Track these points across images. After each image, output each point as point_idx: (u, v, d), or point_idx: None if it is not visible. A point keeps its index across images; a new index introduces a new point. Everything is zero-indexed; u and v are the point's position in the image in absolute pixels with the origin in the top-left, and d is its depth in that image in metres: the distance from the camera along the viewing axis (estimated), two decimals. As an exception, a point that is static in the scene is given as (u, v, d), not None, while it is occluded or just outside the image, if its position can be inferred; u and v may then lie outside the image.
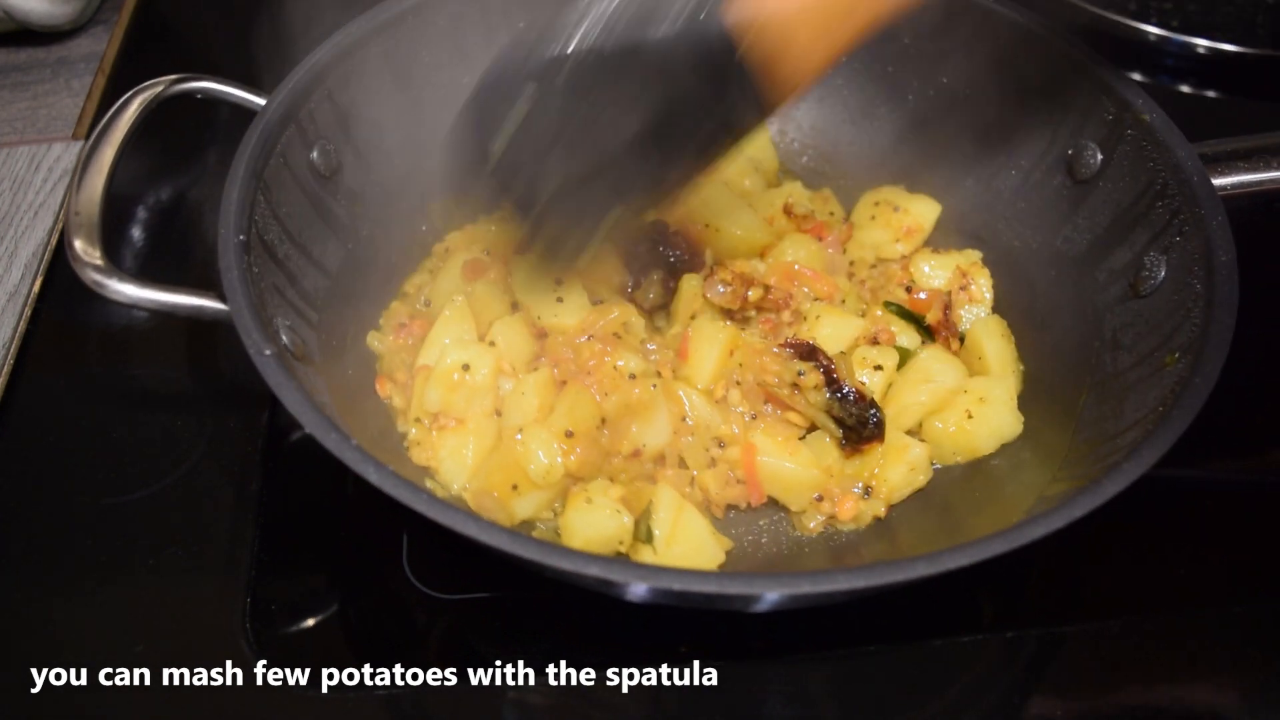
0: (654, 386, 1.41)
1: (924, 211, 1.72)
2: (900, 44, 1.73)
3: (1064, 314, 1.55)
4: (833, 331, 1.54)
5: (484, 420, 1.44)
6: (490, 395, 1.44)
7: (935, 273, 1.65)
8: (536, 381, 1.44)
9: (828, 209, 1.77)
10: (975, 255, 1.67)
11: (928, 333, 1.61)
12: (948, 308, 1.61)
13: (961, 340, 1.61)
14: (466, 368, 1.42)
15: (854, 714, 1.29)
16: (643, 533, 1.34)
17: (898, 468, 1.43)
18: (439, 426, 1.43)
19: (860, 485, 1.44)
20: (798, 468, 1.41)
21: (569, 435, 1.38)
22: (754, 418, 1.47)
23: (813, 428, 1.48)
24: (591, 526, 1.33)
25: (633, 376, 1.43)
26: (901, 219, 1.71)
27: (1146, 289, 1.42)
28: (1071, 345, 1.50)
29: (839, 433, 1.45)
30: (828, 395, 1.44)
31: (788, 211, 1.71)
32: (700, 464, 1.43)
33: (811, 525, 1.43)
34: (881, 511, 1.43)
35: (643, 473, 1.43)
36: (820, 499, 1.42)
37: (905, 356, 1.55)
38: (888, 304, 1.62)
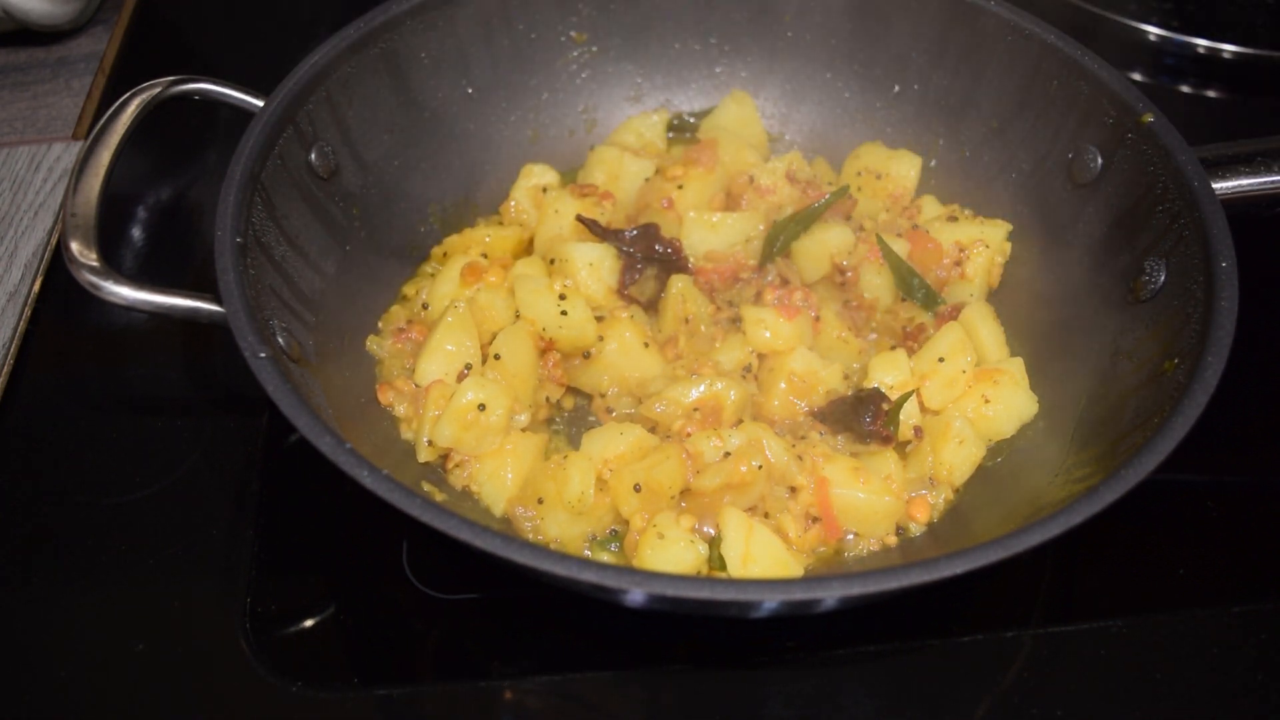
0: (758, 466, 1.36)
1: (905, 171, 1.71)
2: (900, 47, 1.72)
3: (1063, 319, 1.54)
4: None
5: (523, 441, 1.42)
6: (504, 434, 1.42)
7: (945, 232, 1.64)
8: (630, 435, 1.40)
9: (825, 179, 1.77)
10: (1000, 230, 1.62)
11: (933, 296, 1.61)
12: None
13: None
14: (482, 407, 1.38)
15: (853, 714, 1.29)
16: (715, 560, 1.31)
17: (948, 445, 1.43)
18: (454, 464, 1.42)
19: (922, 478, 1.45)
20: (869, 496, 1.37)
21: (636, 490, 1.33)
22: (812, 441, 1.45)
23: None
24: (668, 562, 1.29)
25: (728, 454, 1.37)
26: (885, 185, 1.71)
27: (1146, 294, 1.41)
28: (1071, 350, 1.50)
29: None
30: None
31: (790, 178, 1.69)
32: (776, 509, 1.39)
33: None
34: (951, 495, 1.44)
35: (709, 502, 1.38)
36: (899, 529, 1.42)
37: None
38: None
